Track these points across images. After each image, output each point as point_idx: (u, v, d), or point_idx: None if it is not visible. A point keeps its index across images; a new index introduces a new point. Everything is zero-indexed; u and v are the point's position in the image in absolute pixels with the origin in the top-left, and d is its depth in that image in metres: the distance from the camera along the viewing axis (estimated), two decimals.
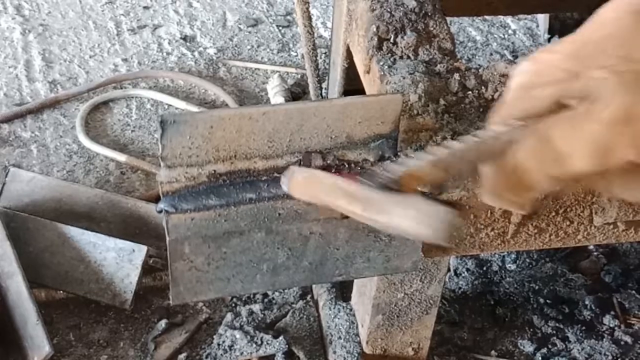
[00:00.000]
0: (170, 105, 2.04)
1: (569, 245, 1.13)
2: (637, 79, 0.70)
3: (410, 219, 0.76)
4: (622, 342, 1.57)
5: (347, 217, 0.95)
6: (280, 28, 2.31)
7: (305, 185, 0.85)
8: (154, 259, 1.63)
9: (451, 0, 1.48)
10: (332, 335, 1.43)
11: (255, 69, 2.18)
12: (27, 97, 2.05)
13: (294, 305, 1.59)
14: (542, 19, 2.26)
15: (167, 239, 0.93)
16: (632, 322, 1.60)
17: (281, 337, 1.50)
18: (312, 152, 0.95)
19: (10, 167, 1.77)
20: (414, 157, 0.79)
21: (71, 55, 2.18)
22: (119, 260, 1.54)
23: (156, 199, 1.17)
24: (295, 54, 2.23)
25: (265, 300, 1.60)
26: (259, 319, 1.55)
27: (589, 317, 1.60)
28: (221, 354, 1.51)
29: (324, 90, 1.68)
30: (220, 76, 2.15)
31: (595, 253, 1.71)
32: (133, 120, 2.01)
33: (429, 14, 1.22)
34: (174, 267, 0.95)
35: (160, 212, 0.92)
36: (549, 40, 2.21)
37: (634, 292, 1.64)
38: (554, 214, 1.07)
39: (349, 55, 1.35)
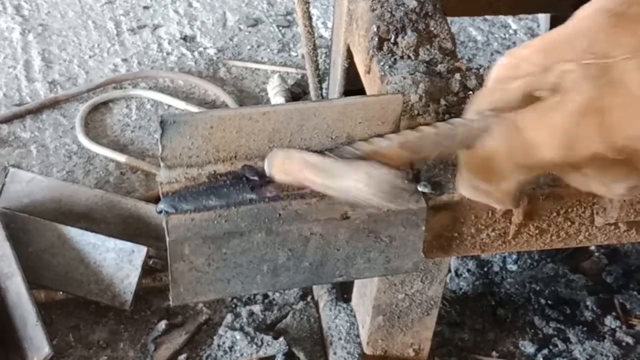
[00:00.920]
0: (170, 105, 2.04)
1: (570, 245, 1.12)
2: (602, 72, 0.71)
3: (360, 182, 0.77)
4: (624, 343, 1.56)
5: (347, 217, 0.95)
6: (281, 28, 2.31)
7: (283, 165, 0.86)
8: (154, 259, 1.63)
9: (452, 0, 1.47)
10: (332, 336, 1.43)
11: (256, 69, 2.17)
12: (26, 97, 2.05)
13: (294, 306, 1.58)
14: (543, 19, 2.25)
15: (167, 239, 0.92)
16: (634, 322, 1.60)
17: (281, 338, 1.50)
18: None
19: (9, 167, 1.77)
20: (385, 138, 0.80)
21: (71, 56, 2.18)
22: (119, 261, 1.54)
23: (156, 200, 1.16)
24: (295, 54, 2.23)
25: (266, 301, 1.60)
26: (259, 319, 1.55)
27: (590, 318, 1.60)
28: (221, 355, 1.50)
29: (324, 91, 1.68)
30: (220, 76, 2.15)
31: (596, 254, 1.70)
32: (133, 120, 2.01)
33: (430, 13, 1.22)
34: (174, 267, 0.94)
35: (160, 212, 0.92)
36: None
37: (635, 292, 1.64)
38: (555, 214, 1.07)
39: (349, 55, 1.35)
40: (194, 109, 2.00)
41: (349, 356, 1.38)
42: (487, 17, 2.33)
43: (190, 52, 2.20)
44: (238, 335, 1.51)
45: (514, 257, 1.68)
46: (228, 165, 0.93)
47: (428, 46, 1.17)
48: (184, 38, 2.25)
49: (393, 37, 1.18)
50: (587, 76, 0.72)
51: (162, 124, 0.88)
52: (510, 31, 2.33)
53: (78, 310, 1.58)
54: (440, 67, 1.14)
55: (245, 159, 0.93)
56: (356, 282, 1.39)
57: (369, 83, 1.20)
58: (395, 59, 1.15)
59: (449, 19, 1.23)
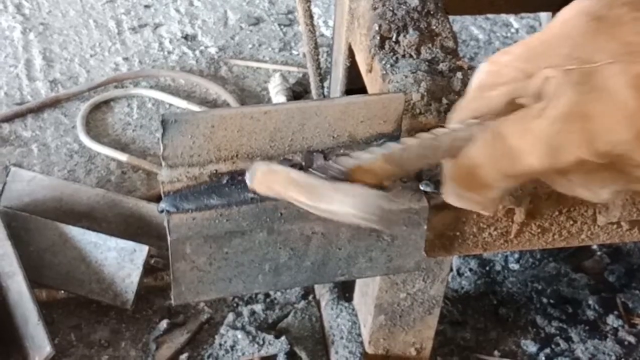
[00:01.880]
0: (172, 104, 2.04)
1: (572, 244, 1.12)
2: (585, 78, 0.70)
3: (347, 205, 0.76)
4: (626, 342, 1.56)
5: None
6: (282, 27, 2.31)
7: (265, 179, 0.85)
8: (156, 258, 1.63)
9: None
10: (334, 336, 1.43)
11: (257, 67, 2.17)
12: (27, 96, 2.05)
13: (296, 306, 1.58)
14: (545, 18, 2.25)
15: (169, 238, 0.92)
16: (636, 322, 1.60)
17: (283, 337, 1.50)
18: (313, 152, 0.95)
19: (11, 166, 1.77)
20: (368, 152, 0.79)
21: (72, 54, 2.18)
22: (120, 260, 1.54)
23: (157, 199, 1.16)
24: (296, 52, 2.22)
25: (267, 300, 1.60)
26: (261, 319, 1.55)
27: (592, 317, 1.60)
28: (223, 354, 1.50)
29: (325, 89, 1.68)
30: (222, 75, 2.14)
31: (598, 253, 1.70)
32: (134, 119, 2.01)
33: (431, 12, 1.21)
34: (175, 267, 0.94)
35: (161, 211, 0.92)
36: None
37: (637, 291, 1.64)
38: (557, 213, 1.07)
39: (351, 54, 1.35)
40: (195, 108, 2.00)
41: (350, 355, 1.38)
42: (489, 15, 2.33)
43: (191, 51, 2.20)
44: (239, 335, 1.51)
45: (516, 256, 1.68)
46: (229, 164, 0.93)
47: (430, 45, 1.17)
48: (185, 37, 2.25)
49: (395, 35, 1.18)
50: (570, 82, 0.71)
51: (164, 123, 0.88)
52: (512, 30, 2.33)
53: (79, 310, 1.58)
54: (442, 66, 1.14)
55: (247, 158, 0.93)
56: (358, 281, 1.39)
57: (371, 82, 1.19)
58: (397, 58, 1.15)
59: (450, 17, 1.23)
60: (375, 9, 1.21)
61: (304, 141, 0.94)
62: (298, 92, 2.08)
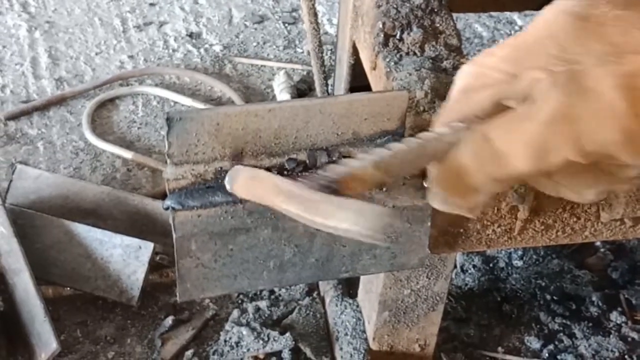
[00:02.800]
0: (177, 102, 2.04)
1: (575, 241, 1.12)
2: (571, 79, 0.69)
3: (347, 221, 0.74)
4: (629, 339, 1.56)
5: None
6: (286, 25, 2.31)
7: (248, 185, 0.84)
8: (161, 255, 1.64)
9: None
10: (338, 332, 1.44)
11: (261, 65, 2.18)
12: (33, 94, 2.06)
13: (300, 302, 1.59)
14: None
15: (174, 235, 0.93)
16: (639, 318, 1.60)
17: (288, 334, 1.50)
18: (317, 149, 0.95)
19: (17, 164, 1.77)
20: (356, 159, 0.78)
21: (77, 52, 2.18)
22: (126, 257, 1.55)
23: (163, 196, 1.17)
24: (301, 50, 2.23)
25: (272, 296, 1.61)
26: (266, 315, 1.56)
27: (595, 314, 1.60)
28: (228, 351, 1.51)
29: (330, 87, 1.68)
30: (226, 73, 2.15)
31: (602, 249, 1.70)
32: (139, 117, 2.01)
33: (435, 10, 1.22)
34: (180, 264, 0.95)
35: (166, 209, 0.92)
36: None
37: None
38: (560, 210, 1.07)
39: (355, 51, 1.35)
40: (200, 105, 2.00)
41: (355, 352, 1.38)
42: (493, 13, 2.33)
43: (196, 49, 2.21)
44: (244, 331, 1.51)
45: (520, 252, 1.68)
46: (234, 161, 0.94)
47: (434, 42, 1.17)
48: (190, 35, 2.25)
49: (399, 33, 1.18)
50: (556, 84, 0.69)
51: (169, 120, 0.89)
52: (516, 27, 2.33)
53: (85, 306, 1.59)
54: (446, 64, 1.14)
55: (252, 155, 0.94)
56: (362, 278, 1.39)
57: (375, 79, 1.20)
58: (400, 56, 1.15)
59: (454, 15, 1.23)
60: (379, 6, 1.21)
61: (308, 139, 0.94)
62: (302, 89, 2.08)
